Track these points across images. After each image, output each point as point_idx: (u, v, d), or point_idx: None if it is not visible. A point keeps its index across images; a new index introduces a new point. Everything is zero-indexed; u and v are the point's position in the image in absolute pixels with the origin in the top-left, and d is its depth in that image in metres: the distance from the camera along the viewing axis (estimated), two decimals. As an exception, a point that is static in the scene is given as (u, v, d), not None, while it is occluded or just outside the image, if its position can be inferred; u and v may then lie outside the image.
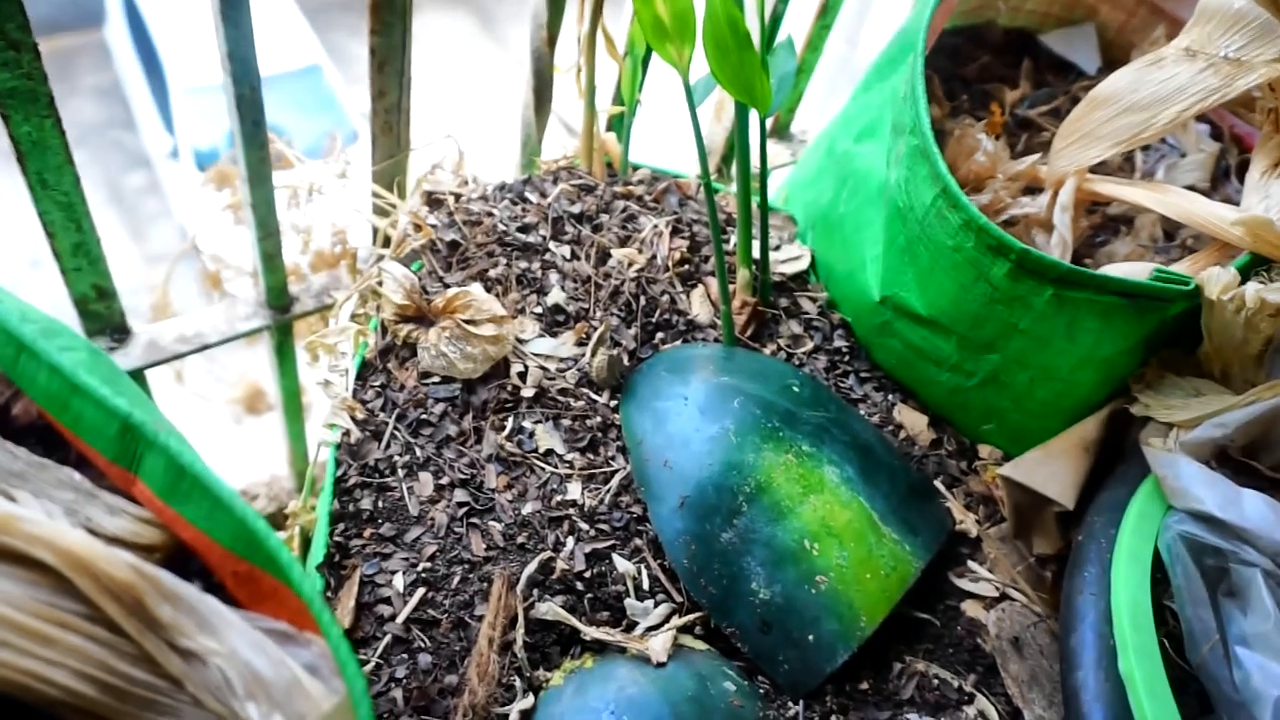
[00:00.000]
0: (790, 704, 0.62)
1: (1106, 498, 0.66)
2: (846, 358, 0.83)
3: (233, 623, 0.33)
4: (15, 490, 0.34)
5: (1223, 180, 0.88)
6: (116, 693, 0.31)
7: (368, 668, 0.56)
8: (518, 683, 0.57)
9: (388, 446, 0.65)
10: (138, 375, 0.79)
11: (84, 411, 0.36)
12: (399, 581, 0.59)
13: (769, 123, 1.16)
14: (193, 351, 0.77)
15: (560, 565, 0.62)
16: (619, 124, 0.97)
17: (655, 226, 0.86)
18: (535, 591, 0.61)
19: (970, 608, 0.71)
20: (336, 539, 0.60)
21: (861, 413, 0.79)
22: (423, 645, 0.58)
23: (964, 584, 0.72)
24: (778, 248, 0.90)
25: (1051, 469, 0.70)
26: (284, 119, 4.18)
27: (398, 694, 0.55)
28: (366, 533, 0.61)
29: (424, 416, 0.67)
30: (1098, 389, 0.72)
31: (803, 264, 0.89)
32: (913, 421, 0.81)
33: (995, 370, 0.73)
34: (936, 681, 0.66)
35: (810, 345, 0.83)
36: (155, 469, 0.35)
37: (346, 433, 0.65)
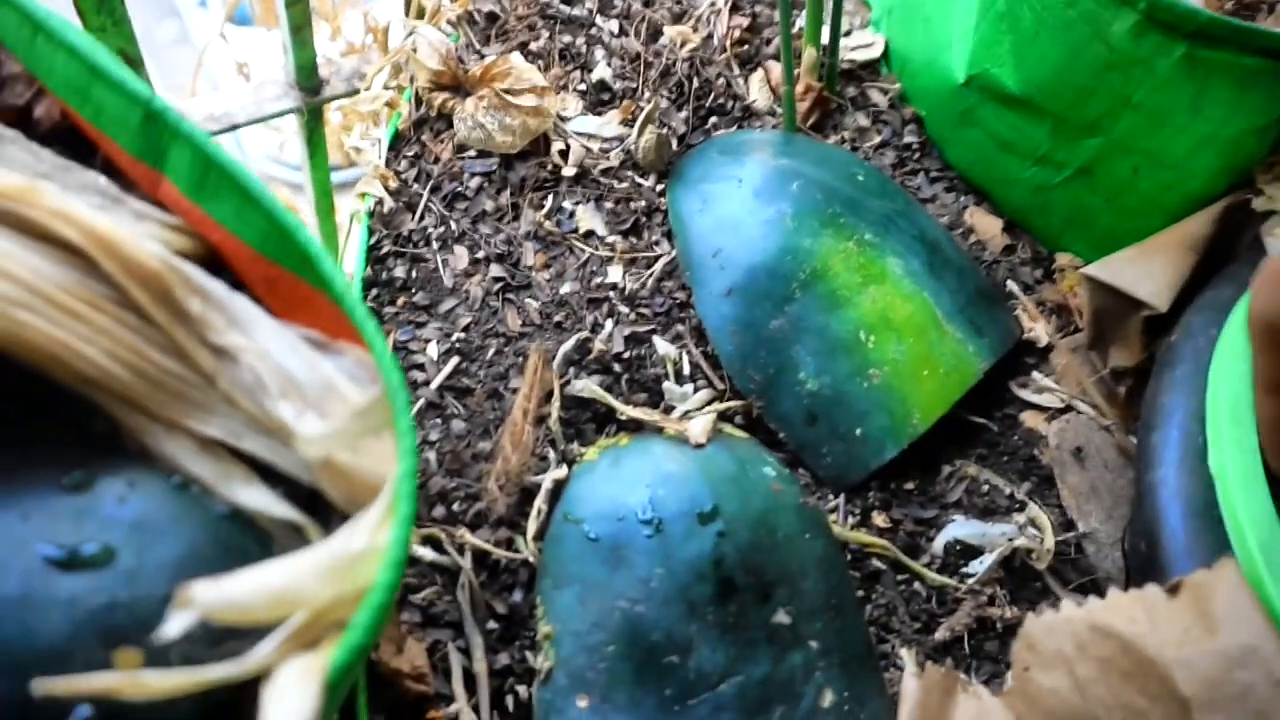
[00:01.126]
0: (831, 496, 0.64)
1: (1210, 296, 0.64)
2: (916, 155, 0.82)
3: (264, 323, 0.34)
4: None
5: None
6: (149, 380, 0.33)
7: (399, 430, 0.58)
8: (551, 454, 0.59)
9: (421, 218, 0.66)
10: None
11: (105, 101, 0.36)
12: (432, 350, 0.61)
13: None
14: (221, 131, 0.78)
15: (598, 345, 0.63)
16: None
17: (713, 3, 0.83)
18: (571, 369, 0.62)
19: (1031, 418, 0.71)
20: (369, 305, 0.62)
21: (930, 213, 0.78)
22: (456, 412, 0.60)
23: (1026, 394, 0.72)
24: (848, 33, 0.88)
25: (1146, 268, 0.68)
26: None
27: (430, 456, 0.58)
28: (399, 300, 0.62)
29: (459, 190, 0.68)
30: (1214, 179, 0.68)
31: (875, 52, 0.86)
32: (985, 225, 0.80)
33: (1093, 159, 0.71)
34: (987, 487, 0.67)
35: (877, 139, 0.81)
36: (181, 163, 0.36)
37: (379, 202, 0.65)
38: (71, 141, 0.39)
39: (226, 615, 0.28)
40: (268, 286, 0.37)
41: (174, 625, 0.28)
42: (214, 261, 0.38)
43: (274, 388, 0.33)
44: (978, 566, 0.63)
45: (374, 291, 0.62)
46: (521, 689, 0.54)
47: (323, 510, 0.35)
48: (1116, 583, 0.64)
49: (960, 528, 0.65)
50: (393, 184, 0.66)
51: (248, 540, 0.34)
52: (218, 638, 0.30)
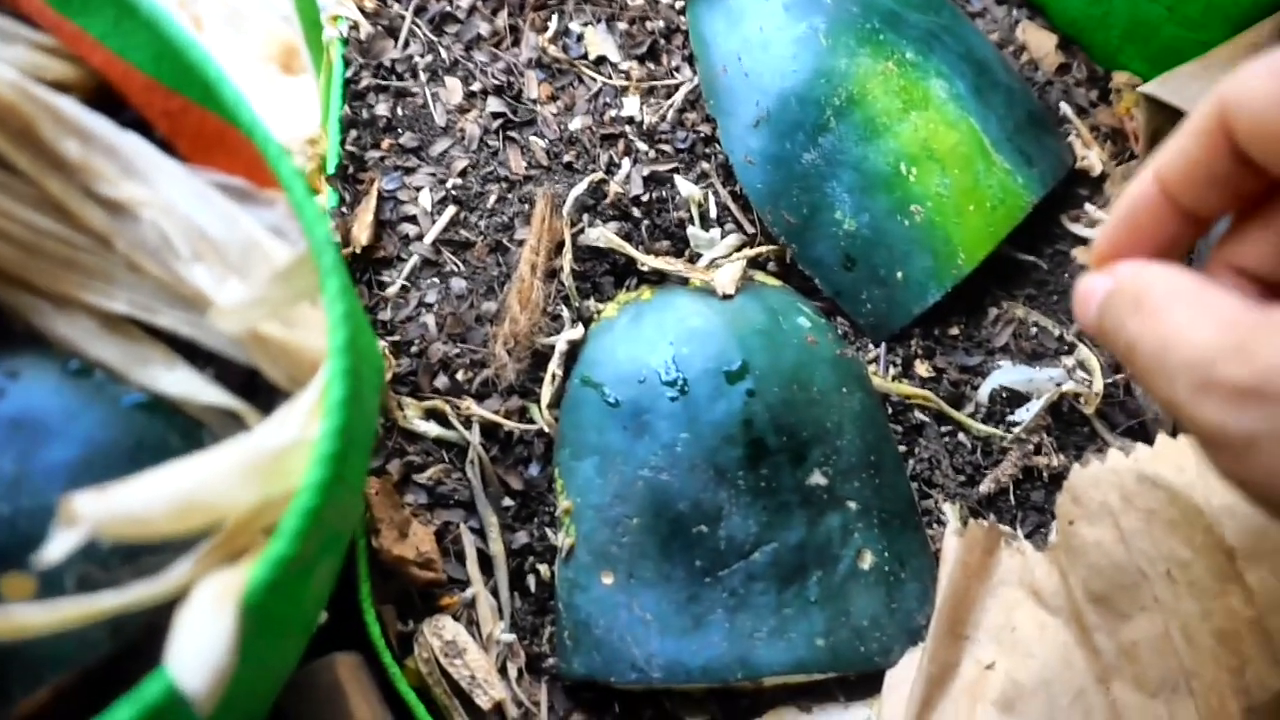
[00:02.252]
0: (871, 346, 0.56)
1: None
2: (964, -36, 0.69)
3: (166, 169, 0.26)
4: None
5: None
6: (20, 244, 0.25)
7: (392, 290, 0.50)
8: (565, 312, 0.51)
9: (406, 45, 0.56)
10: None
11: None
12: (425, 199, 0.52)
13: None
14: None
15: (614, 188, 0.54)
16: None
17: None
18: (585, 216, 0.53)
19: (1083, 254, 0.62)
20: (350, 148, 0.52)
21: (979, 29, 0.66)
22: (455, 269, 0.51)
23: (1078, 228, 0.63)
24: None
25: (1208, 84, 0.56)
26: None
27: (429, 320, 0.50)
28: (385, 143, 0.53)
29: (449, 11, 0.57)
30: (1290, -19, 0.57)
31: None
32: (1039, 42, 0.68)
33: (1157, -38, 0.59)
34: (1035, 330, 0.58)
35: (919, -53, 0.69)
36: (40, -37, 0.26)
37: (355, 26, 0.55)
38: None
39: (122, 530, 0.21)
40: (172, 123, 0.28)
41: (56, 547, 0.20)
42: (108, 94, 0.29)
43: (184, 249, 0.25)
44: (1024, 414, 0.56)
45: (354, 133, 0.52)
46: (543, 568, 0.47)
47: (264, 392, 0.27)
48: (1164, 425, 0.57)
49: (1006, 374, 0.57)
50: (369, 5, 0.56)
51: (169, 433, 0.26)
52: (131, 553, 0.23)
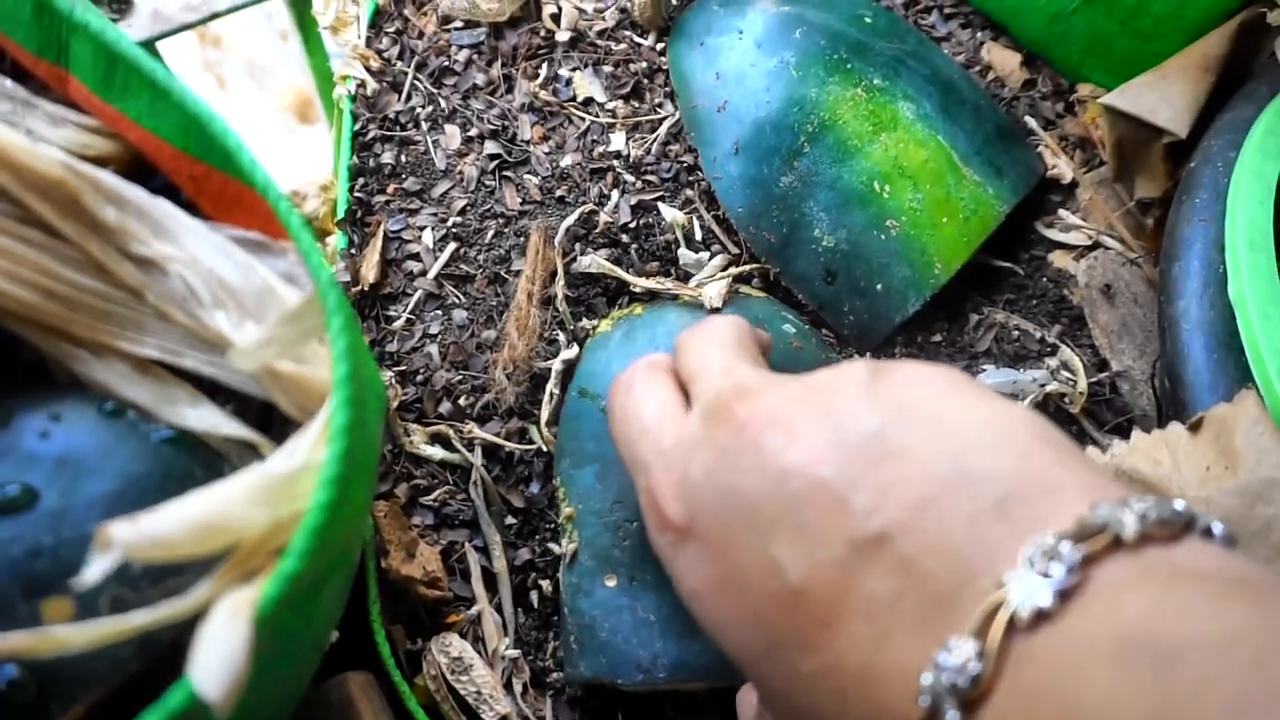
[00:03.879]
0: (857, 355, 0.58)
1: (1228, 119, 0.57)
2: (930, -11, 0.72)
3: (192, 228, 0.29)
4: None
5: None
6: (65, 301, 0.28)
7: (398, 324, 0.53)
8: (561, 336, 0.54)
9: (408, 98, 0.59)
10: (148, 49, 0.73)
11: (-13, -10, 0.30)
12: (428, 237, 0.55)
13: None
14: (200, 21, 0.70)
15: (604, 218, 0.57)
16: None
17: None
18: (577, 245, 0.56)
19: (1059, 258, 0.64)
20: (357, 194, 0.55)
21: (945, 52, 0.69)
22: (457, 301, 0.54)
23: (1053, 234, 0.65)
24: None
25: (1163, 93, 0.60)
26: None
27: (433, 350, 0.53)
28: (390, 188, 0.56)
29: (447, 65, 0.60)
30: (1230, -3, 0.59)
31: (881, -120, 0.75)
32: (1003, 61, 0.71)
33: (1108, -20, 0.61)
34: (1017, 333, 0.61)
35: (887, -23, 0.72)
36: (84, 57, 0.30)
37: (362, 84, 0.59)
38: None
39: (151, 553, 0.24)
40: (196, 186, 0.31)
41: (93, 570, 0.23)
42: (142, 164, 0.32)
43: (207, 298, 0.28)
44: (1010, 415, 0.57)
45: (361, 180, 0.56)
46: (545, 583, 0.50)
47: (279, 424, 0.30)
48: (1151, 421, 0.59)
49: (991, 377, 0.59)
50: (375, 64, 0.59)
51: (193, 464, 0.29)
52: (159, 575, 0.26)
